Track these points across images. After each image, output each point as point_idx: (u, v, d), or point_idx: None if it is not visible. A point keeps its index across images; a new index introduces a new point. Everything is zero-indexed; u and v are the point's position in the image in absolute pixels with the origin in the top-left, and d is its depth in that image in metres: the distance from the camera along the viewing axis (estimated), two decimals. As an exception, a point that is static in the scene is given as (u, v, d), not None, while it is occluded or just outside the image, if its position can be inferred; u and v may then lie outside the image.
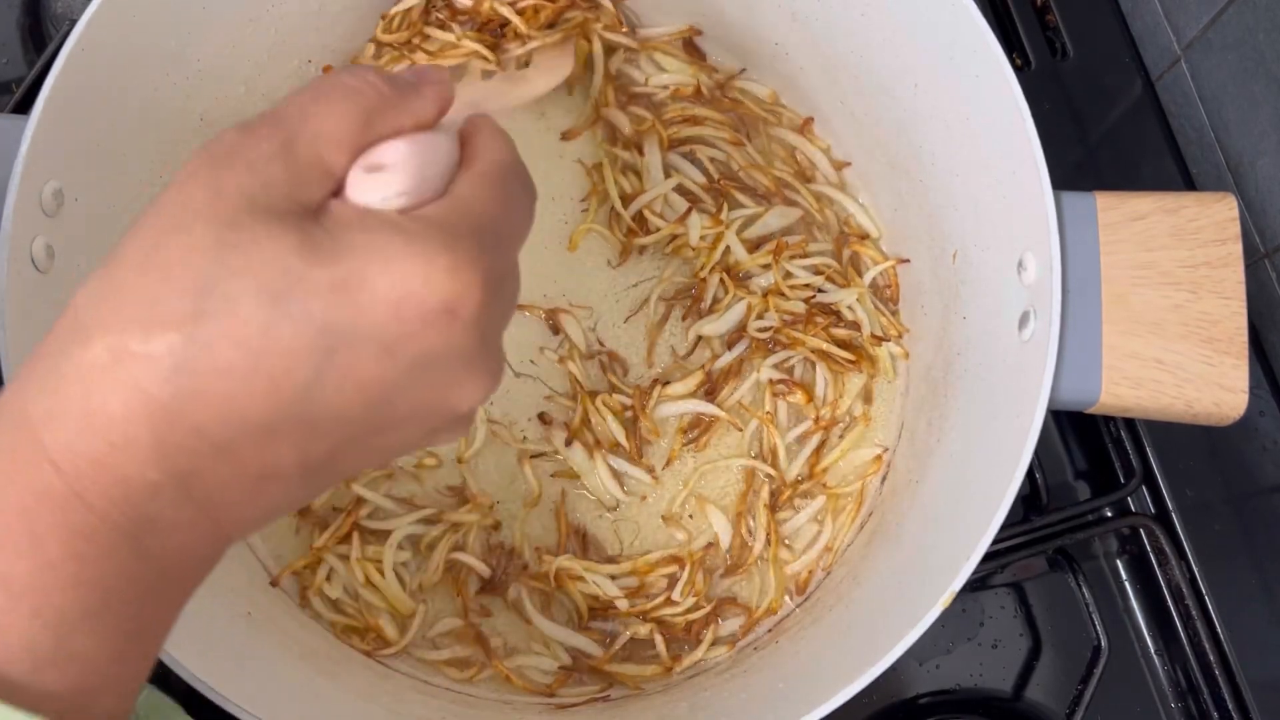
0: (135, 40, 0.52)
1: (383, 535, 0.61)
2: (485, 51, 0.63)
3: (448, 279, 0.28)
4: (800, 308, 0.64)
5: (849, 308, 0.64)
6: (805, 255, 0.65)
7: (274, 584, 0.60)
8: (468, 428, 0.33)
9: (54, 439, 0.27)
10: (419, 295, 0.28)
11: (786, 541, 0.63)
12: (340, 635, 0.60)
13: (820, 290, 0.65)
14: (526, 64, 0.63)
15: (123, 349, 0.26)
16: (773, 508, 0.63)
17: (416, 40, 0.64)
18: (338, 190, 0.30)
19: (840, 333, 0.64)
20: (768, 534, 0.62)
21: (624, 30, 0.66)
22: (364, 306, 0.27)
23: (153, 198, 0.29)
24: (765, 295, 0.64)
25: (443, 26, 0.64)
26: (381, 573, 0.60)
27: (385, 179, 0.30)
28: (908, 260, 0.64)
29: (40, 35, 0.72)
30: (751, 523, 0.63)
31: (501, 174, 0.32)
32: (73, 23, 0.49)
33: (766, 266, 0.65)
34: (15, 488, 0.27)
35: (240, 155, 0.28)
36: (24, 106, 0.49)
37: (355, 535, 0.61)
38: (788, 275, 0.65)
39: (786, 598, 0.62)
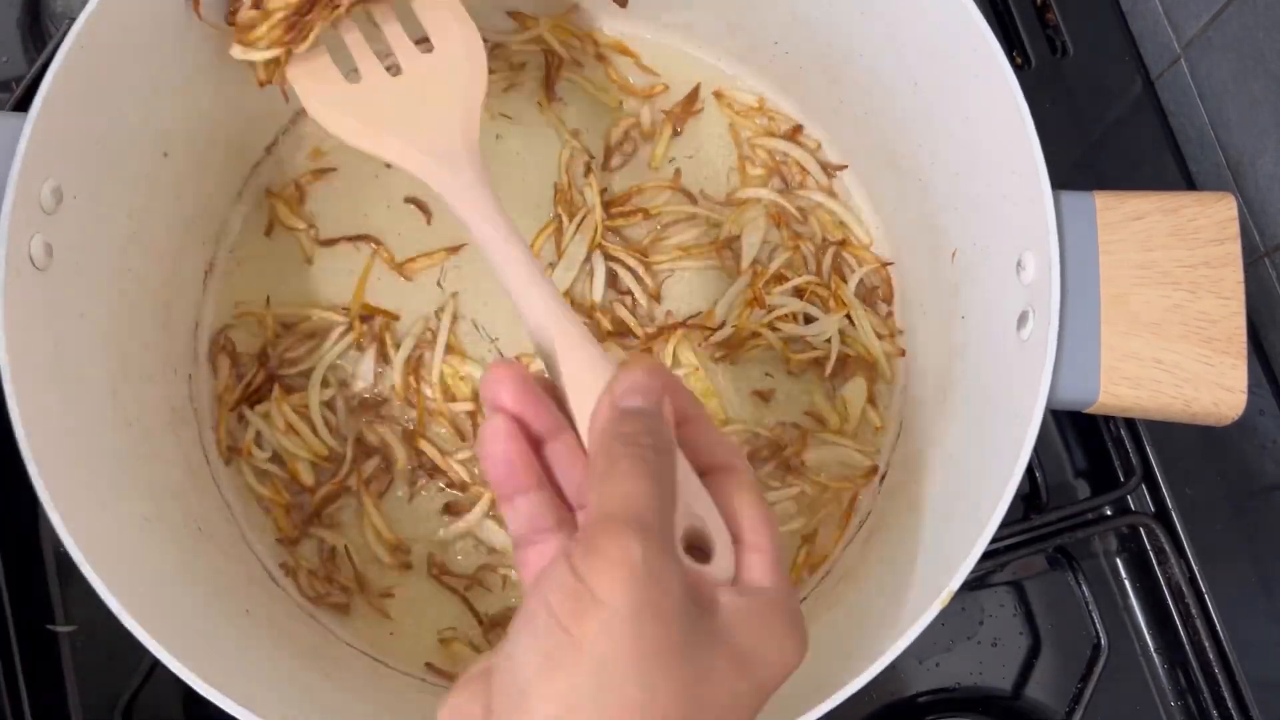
0: (134, 38, 0.52)
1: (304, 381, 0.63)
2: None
3: (804, 644, 0.35)
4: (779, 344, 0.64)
5: (827, 341, 0.64)
6: (784, 280, 0.65)
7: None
8: None
9: None
10: (796, 664, 0.35)
11: None
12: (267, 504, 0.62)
13: (808, 318, 0.64)
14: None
15: None
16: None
17: None
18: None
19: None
20: None
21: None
22: (768, 687, 0.34)
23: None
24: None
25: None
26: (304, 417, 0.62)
27: (721, 565, 0.35)
28: (891, 263, 0.64)
29: (40, 33, 0.72)
30: None
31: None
32: (72, 21, 0.49)
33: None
34: None
35: (656, 583, 0.31)
36: (23, 105, 0.49)
37: (276, 387, 0.63)
38: (771, 309, 0.64)
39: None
